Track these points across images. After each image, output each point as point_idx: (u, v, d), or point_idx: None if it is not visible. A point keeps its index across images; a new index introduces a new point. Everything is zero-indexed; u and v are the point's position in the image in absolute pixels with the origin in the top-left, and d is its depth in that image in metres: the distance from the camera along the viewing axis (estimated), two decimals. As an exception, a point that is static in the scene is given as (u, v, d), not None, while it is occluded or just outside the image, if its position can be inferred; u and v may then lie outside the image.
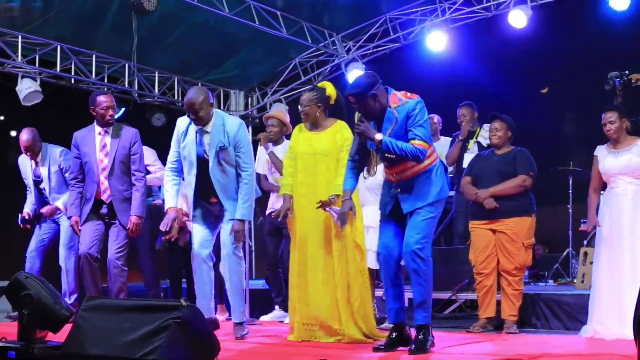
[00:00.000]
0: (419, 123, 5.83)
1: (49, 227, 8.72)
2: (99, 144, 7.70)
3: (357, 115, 6.01)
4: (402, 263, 6.06)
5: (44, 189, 8.66)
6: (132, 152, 7.72)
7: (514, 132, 7.75)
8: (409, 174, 5.95)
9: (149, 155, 9.07)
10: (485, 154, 8.04)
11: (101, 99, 7.73)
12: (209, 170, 6.80)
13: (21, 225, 8.65)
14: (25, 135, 8.51)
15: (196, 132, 6.84)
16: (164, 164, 7.40)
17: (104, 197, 7.65)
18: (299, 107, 6.89)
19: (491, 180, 7.61)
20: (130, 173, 7.71)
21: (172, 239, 7.33)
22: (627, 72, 8.07)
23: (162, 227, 6.94)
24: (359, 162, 6.19)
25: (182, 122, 6.99)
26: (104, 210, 7.67)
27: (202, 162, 6.83)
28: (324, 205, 6.46)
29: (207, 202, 6.94)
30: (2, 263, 11.14)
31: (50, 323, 5.24)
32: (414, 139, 5.79)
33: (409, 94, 5.96)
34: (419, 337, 5.86)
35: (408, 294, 6.40)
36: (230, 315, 8.02)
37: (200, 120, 6.77)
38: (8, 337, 5.31)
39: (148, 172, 8.84)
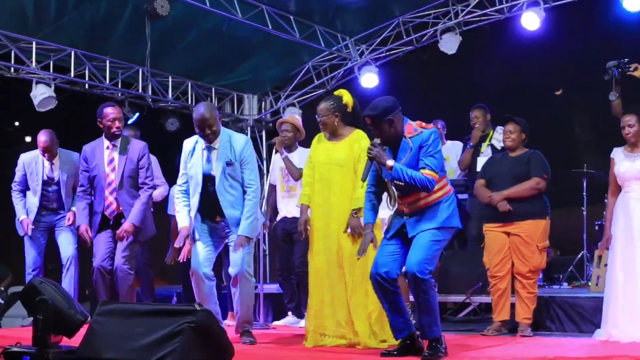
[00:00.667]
0: (430, 153, 5.83)
1: (44, 237, 8.57)
2: (107, 158, 7.73)
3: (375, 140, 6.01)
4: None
5: (52, 192, 8.52)
6: (140, 166, 7.74)
7: (528, 134, 7.74)
8: (422, 204, 5.94)
9: (158, 168, 9.10)
10: (498, 157, 8.04)
11: (107, 110, 7.73)
12: (216, 187, 6.79)
13: (25, 231, 8.49)
14: (43, 137, 8.45)
15: (203, 149, 6.85)
16: (174, 173, 7.38)
17: (107, 213, 7.69)
18: (317, 116, 6.87)
19: (504, 182, 7.60)
20: (138, 186, 7.75)
21: (183, 260, 7.33)
22: (625, 60, 8.01)
23: (177, 244, 6.97)
24: (378, 191, 6.17)
25: (189, 143, 7.00)
26: (111, 224, 7.72)
27: (208, 180, 6.83)
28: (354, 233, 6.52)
29: (212, 221, 6.93)
30: (18, 269, 11.20)
31: (65, 328, 5.27)
32: (424, 168, 5.79)
33: (423, 123, 5.98)
34: (432, 344, 5.86)
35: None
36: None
37: (213, 136, 6.76)
38: (23, 342, 5.33)
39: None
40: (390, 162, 5.79)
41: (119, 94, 11.99)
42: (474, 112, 9.55)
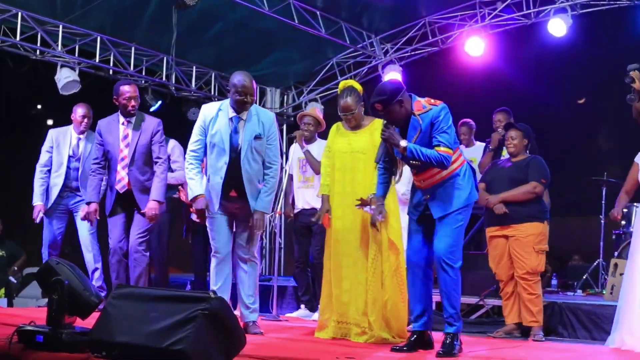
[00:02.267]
0: (443, 129, 5.83)
1: (63, 219, 8.58)
2: (122, 134, 7.73)
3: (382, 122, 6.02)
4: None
5: (74, 170, 8.51)
6: (153, 142, 7.73)
7: (531, 140, 7.83)
8: (437, 179, 5.94)
9: (176, 151, 9.12)
10: (501, 162, 8.11)
11: (124, 88, 7.75)
12: (240, 159, 6.77)
13: (37, 221, 8.52)
14: (82, 109, 8.50)
15: (230, 119, 6.82)
16: None
17: (118, 187, 7.67)
18: (345, 113, 6.81)
19: (502, 186, 7.70)
20: (151, 163, 7.74)
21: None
22: None
23: (198, 220, 7.00)
24: (389, 167, 6.20)
25: (210, 108, 6.95)
26: (125, 201, 7.71)
27: (233, 151, 6.78)
28: (363, 204, 6.47)
29: (226, 197, 6.87)
30: (34, 250, 11.25)
31: (80, 309, 5.28)
32: (438, 145, 5.79)
33: (432, 100, 5.95)
34: (447, 341, 5.85)
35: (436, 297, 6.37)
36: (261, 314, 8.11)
37: (248, 105, 6.77)
38: (37, 321, 5.35)
39: (171, 169, 8.96)
40: (403, 143, 5.77)
41: (143, 81, 12.04)
42: (497, 116, 9.50)
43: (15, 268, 11.82)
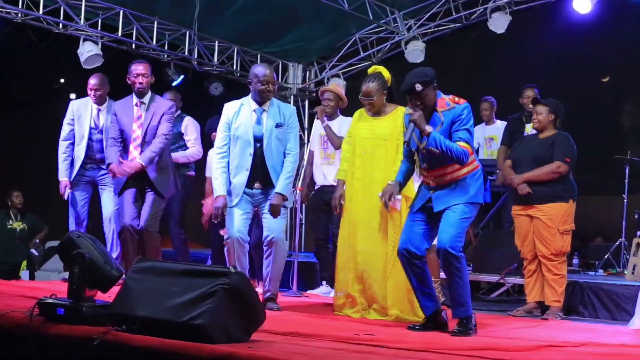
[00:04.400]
0: (464, 127, 5.82)
1: (87, 191, 8.50)
2: (135, 115, 7.74)
3: (407, 108, 5.98)
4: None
5: (96, 141, 8.40)
6: (160, 121, 7.71)
7: (560, 116, 7.64)
8: (448, 179, 5.92)
9: (192, 130, 9.11)
10: (529, 137, 8.01)
11: (134, 66, 7.78)
12: (264, 148, 6.83)
13: (65, 197, 8.45)
14: (93, 80, 8.43)
15: (254, 111, 6.89)
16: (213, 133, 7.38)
17: None
18: (364, 98, 6.82)
19: (527, 164, 7.60)
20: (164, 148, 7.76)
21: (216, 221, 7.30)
22: None
23: (214, 219, 7.04)
24: (413, 155, 6.15)
25: (232, 106, 7.02)
26: (137, 181, 7.71)
27: (256, 141, 6.86)
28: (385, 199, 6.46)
29: (249, 187, 6.92)
30: (57, 223, 11.31)
31: (100, 282, 5.30)
32: (459, 140, 5.77)
33: (456, 98, 5.93)
34: (462, 321, 5.84)
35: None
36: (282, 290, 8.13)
37: (271, 94, 6.87)
38: (58, 294, 5.37)
39: (185, 146, 9.04)
40: (428, 129, 5.74)
41: (165, 56, 12.04)
42: (527, 92, 9.37)
43: (37, 241, 11.88)
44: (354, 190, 6.90)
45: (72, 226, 8.39)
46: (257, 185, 6.91)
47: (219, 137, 7.01)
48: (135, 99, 7.79)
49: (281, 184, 6.86)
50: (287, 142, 6.95)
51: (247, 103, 6.97)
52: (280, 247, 6.92)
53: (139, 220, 7.64)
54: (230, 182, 6.93)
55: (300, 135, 13.82)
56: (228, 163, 6.96)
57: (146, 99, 7.78)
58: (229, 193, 6.92)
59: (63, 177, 8.45)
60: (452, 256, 5.74)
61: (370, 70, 6.98)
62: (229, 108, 7.01)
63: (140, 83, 7.71)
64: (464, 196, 5.88)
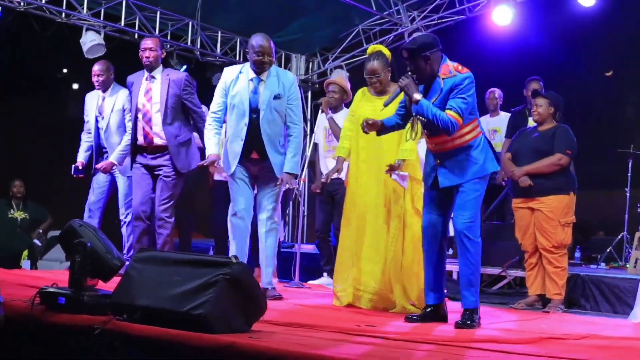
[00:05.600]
0: (460, 96, 5.69)
1: (106, 179, 8.42)
2: (144, 89, 7.75)
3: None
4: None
5: (102, 129, 8.38)
6: (184, 98, 7.72)
7: (559, 109, 7.65)
8: (449, 146, 5.85)
9: None
10: (528, 130, 8.00)
11: (144, 41, 7.83)
12: (260, 119, 6.79)
13: (74, 176, 8.47)
14: (96, 66, 8.44)
15: (250, 80, 6.84)
16: None
17: (144, 143, 7.72)
18: (371, 76, 6.78)
19: (527, 157, 7.61)
20: (183, 117, 7.75)
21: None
22: None
23: (203, 163, 6.98)
24: (404, 116, 6.08)
25: (231, 71, 6.99)
26: (148, 159, 7.73)
27: (253, 112, 6.81)
28: (391, 169, 6.44)
29: (247, 159, 6.90)
30: (60, 213, 11.30)
31: (101, 272, 5.29)
32: (449, 109, 5.66)
33: (460, 67, 5.82)
34: (466, 314, 5.79)
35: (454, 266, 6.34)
36: (282, 281, 8.13)
37: (267, 65, 6.81)
38: (59, 284, 5.37)
39: None
40: (417, 96, 5.69)
41: (168, 46, 12.04)
42: (532, 85, 9.32)
43: (41, 231, 11.87)
44: (359, 171, 6.86)
45: (85, 215, 8.38)
46: (253, 155, 6.88)
47: (215, 101, 6.99)
48: (145, 74, 7.80)
49: (289, 164, 6.84)
50: (290, 114, 6.90)
51: (246, 71, 6.92)
52: (270, 225, 6.94)
53: (150, 206, 7.65)
54: (226, 149, 6.94)
55: (303, 126, 13.84)
56: (221, 127, 6.99)
57: (157, 72, 7.77)
58: (226, 156, 6.93)
59: (79, 158, 8.52)
60: (467, 238, 5.75)
61: (369, 50, 6.96)
62: (228, 74, 6.98)
63: (147, 57, 7.72)
64: (469, 172, 5.82)
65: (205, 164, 6.90)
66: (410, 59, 5.79)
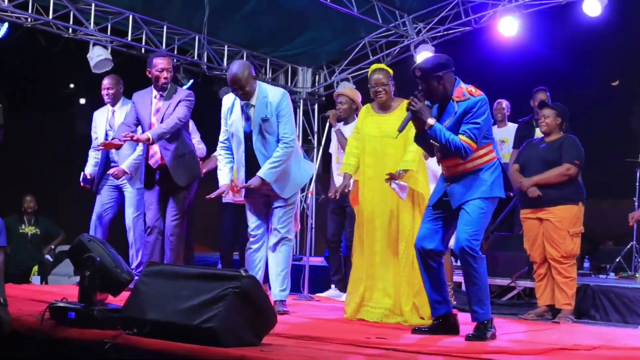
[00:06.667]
0: (473, 121, 5.66)
1: (111, 196, 8.46)
2: (154, 108, 7.71)
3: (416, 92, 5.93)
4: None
5: None
6: (177, 106, 7.67)
7: (565, 119, 7.70)
8: (460, 170, 5.81)
9: (195, 129, 9.06)
10: (535, 141, 8.00)
11: (157, 60, 7.73)
12: (253, 144, 6.81)
13: (81, 184, 8.46)
14: (106, 80, 8.48)
15: (242, 106, 6.85)
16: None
17: (151, 162, 7.68)
18: (377, 86, 6.80)
19: (536, 168, 7.62)
20: (180, 134, 7.70)
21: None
22: None
23: (212, 195, 6.97)
24: None
25: (228, 100, 7.00)
26: (157, 176, 7.71)
27: (247, 138, 6.84)
28: (391, 178, 6.44)
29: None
30: (69, 228, 11.31)
31: (111, 286, 5.31)
32: (462, 134, 5.64)
33: (474, 89, 5.79)
34: (479, 326, 5.72)
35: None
36: (293, 294, 8.12)
37: (247, 95, 6.75)
38: (69, 298, 5.38)
39: None
40: (431, 121, 5.65)
41: (175, 60, 12.03)
42: (538, 95, 9.31)
43: (52, 247, 11.89)
44: (367, 189, 6.86)
45: (92, 229, 8.38)
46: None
47: (222, 129, 7.04)
48: (154, 92, 7.76)
49: (264, 169, 6.76)
50: (281, 129, 6.84)
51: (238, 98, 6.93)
52: (283, 245, 6.96)
53: (163, 220, 7.66)
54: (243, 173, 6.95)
55: (309, 139, 13.86)
56: (231, 154, 7.00)
57: (166, 92, 7.75)
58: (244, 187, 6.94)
59: (86, 170, 8.54)
60: (470, 256, 5.66)
61: (371, 69, 6.99)
62: (225, 103, 7.02)
63: (165, 78, 7.69)
64: (478, 190, 5.75)
65: (213, 197, 6.90)
66: (423, 79, 5.76)
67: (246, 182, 6.85)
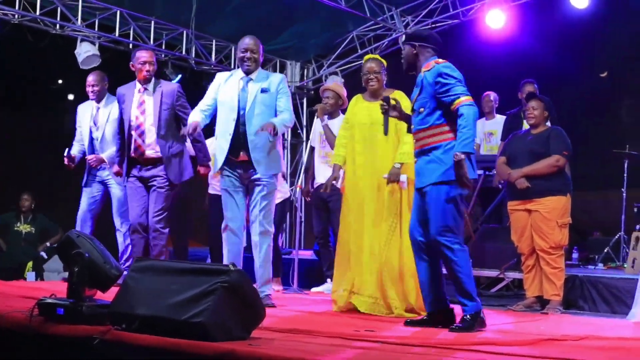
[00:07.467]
0: (449, 81, 5.66)
1: (98, 189, 8.48)
2: (137, 101, 7.71)
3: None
4: None
5: (97, 139, 8.43)
6: (177, 110, 7.70)
7: (552, 112, 7.76)
8: (420, 144, 5.81)
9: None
10: (522, 133, 8.03)
11: (140, 54, 7.78)
12: (246, 112, 6.79)
13: (65, 159, 8.38)
14: (90, 76, 8.50)
15: (240, 79, 6.92)
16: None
17: (135, 155, 7.68)
18: (367, 75, 6.90)
19: (524, 160, 7.63)
20: (175, 128, 7.71)
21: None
22: None
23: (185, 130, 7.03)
24: None
25: (223, 74, 7.11)
26: (142, 171, 7.70)
27: (241, 108, 6.84)
28: (389, 181, 6.51)
29: (236, 163, 6.87)
30: (65, 225, 11.29)
31: (100, 282, 5.29)
32: (457, 97, 5.59)
33: (441, 60, 5.82)
34: (466, 317, 5.67)
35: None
36: (283, 288, 8.11)
37: (254, 64, 6.89)
38: (58, 294, 5.38)
39: None
40: (462, 156, 5.53)
41: (163, 55, 12.05)
42: (526, 87, 9.32)
43: (48, 244, 11.88)
44: (356, 177, 6.88)
45: (77, 225, 8.38)
46: (242, 154, 6.84)
47: (204, 101, 7.01)
48: (138, 85, 7.77)
49: (276, 119, 6.76)
50: (279, 104, 6.90)
51: (237, 74, 7.02)
52: (261, 233, 6.90)
53: (146, 217, 7.65)
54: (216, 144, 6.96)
55: (299, 133, 13.86)
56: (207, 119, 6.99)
57: (150, 85, 7.75)
58: (215, 156, 6.96)
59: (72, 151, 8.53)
60: (446, 247, 5.61)
61: (365, 58, 7.11)
62: (220, 76, 7.10)
63: (147, 71, 7.71)
64: (436, 172, 5.66)
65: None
66: (403, 44, 5.99)
67: (229, 151, 6.80)
